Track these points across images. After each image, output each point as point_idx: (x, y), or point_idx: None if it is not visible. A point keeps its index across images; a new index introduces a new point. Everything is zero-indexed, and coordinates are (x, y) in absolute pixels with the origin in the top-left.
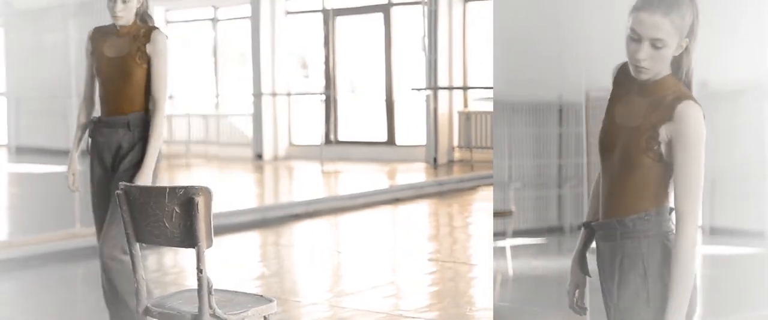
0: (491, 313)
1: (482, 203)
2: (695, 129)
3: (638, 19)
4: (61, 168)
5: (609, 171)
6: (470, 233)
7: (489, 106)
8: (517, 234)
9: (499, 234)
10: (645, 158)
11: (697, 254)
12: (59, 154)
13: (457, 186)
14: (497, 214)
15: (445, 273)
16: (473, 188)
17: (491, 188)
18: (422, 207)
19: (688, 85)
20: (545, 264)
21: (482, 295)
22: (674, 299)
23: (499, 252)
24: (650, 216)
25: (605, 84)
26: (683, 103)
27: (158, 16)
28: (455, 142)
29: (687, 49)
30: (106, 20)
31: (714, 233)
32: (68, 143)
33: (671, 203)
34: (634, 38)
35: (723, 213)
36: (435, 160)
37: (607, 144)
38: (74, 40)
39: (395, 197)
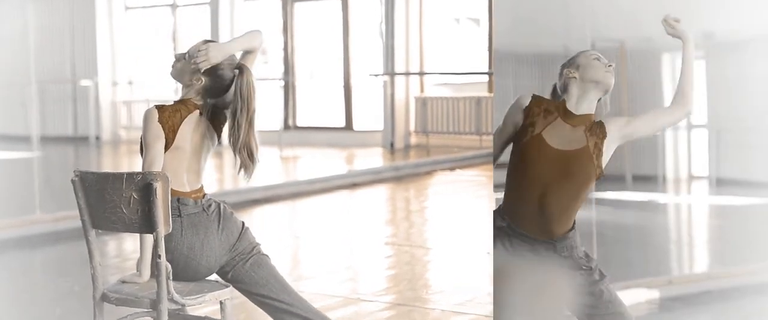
0: (447, 296)
1: (438, 187)
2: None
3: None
4: (20, 155)
5: (539, 190)
6: (427, 217)
7: (445, 92)
8: None
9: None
10: (592, 175)
11: None
12: (18, 141)
13: (414, 170)
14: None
15: (402, 257)
16: (430, 173)
17: (447, 173)
18: (379, 192)
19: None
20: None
21: (438, 278)
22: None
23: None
24: (574, 232)
25: (611, 34)
26: (606, 121)
27: (118, 1)
28: (412, 127)
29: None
30: (67, 8)
31: (720, 184)
32: (27, 129)
33: None
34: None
35: (728, 164)
36: (392, 144)
37: (543, 165)
38: (33, 27)
39: (353, 182)
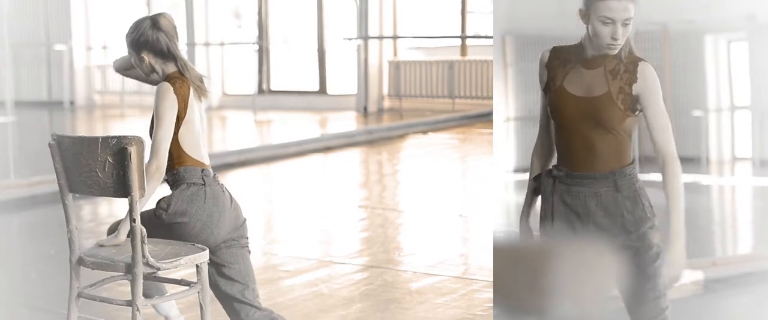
0: (419, 258)
1: (411, 150)
2: (657, 81)
3: (608, 6)
4: None
5: (579, 135)
6: (399, 180)
7: (418, 56)
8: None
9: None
10: (622, 118)
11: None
12: None
13: (387, 134)
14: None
15: (375, 220)
16: (402, 136)
17: (420, 136)
18: (353, 155)
19: (631, 48)
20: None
21: (410, 241)
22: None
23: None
24: (633, 168)
25: (653, 17)
26: (641, 64)
27: None
28: (385, 91)
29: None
30: None
31: (764, 165)
32: (1, 94)
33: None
34: (607, 23)
35: None
36: (365, 108)
37: (570, 113)
38: None
39: (326, 145)
